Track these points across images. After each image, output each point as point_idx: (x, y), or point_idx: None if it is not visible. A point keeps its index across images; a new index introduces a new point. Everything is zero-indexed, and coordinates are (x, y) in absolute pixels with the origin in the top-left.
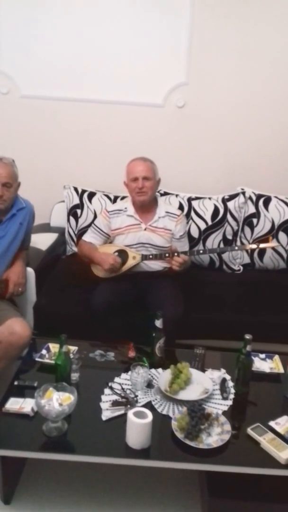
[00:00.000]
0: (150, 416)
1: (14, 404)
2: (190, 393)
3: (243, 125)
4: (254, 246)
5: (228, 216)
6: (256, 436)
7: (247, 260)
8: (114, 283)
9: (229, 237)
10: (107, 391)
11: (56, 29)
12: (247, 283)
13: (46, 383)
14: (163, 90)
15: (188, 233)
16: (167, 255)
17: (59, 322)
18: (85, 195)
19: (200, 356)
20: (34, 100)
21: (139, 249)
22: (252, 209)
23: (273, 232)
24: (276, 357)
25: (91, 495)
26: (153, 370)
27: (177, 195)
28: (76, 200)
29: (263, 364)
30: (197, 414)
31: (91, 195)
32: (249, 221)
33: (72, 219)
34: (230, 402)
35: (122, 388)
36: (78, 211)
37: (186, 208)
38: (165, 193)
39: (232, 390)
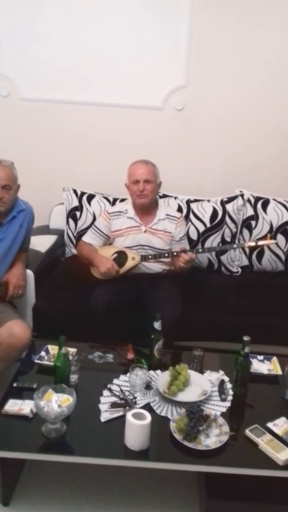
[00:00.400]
0: (148, 417)
1: (13, 406)
2: (189, 395)
3: (242, 128)
4: (252, 243)
5: (227, 219)
6: (254, 437)
7: (245, 262)
8: (113, 284)
9: (228, 239)
10: (106, 392)
11: (56, 31)
12: (245, 285)
13: (45, 384)
14: (162, 92)
15: (187, 235)
16: (175, 253)
17: (58, 324)
18: (84, 197)
19: (199, 357)
20: (34, 103)
21: (139, 251)
22: (250, 212)
23: (271, 234)
24: (274, 358)
25: (90, 496)
26: (151, 372)
27: (176, 197)
28: (76, 202)
29: (261, 366)
30: (196, 415)
31: (90, 197)
32: (247, 224)
33: (71, 221)
34: (228, 404)
35: (121, 390)
36: (77, 213)
37: (185, 210)
38: (164, 195)
39: (231, 392)
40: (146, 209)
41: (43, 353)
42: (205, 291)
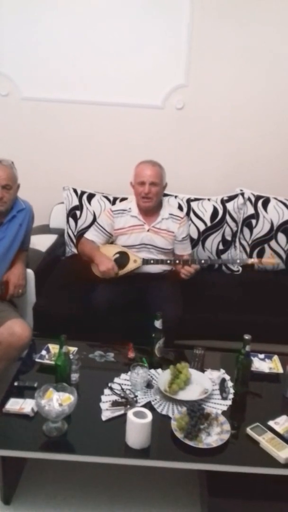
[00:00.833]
0: (149, 416)
1: (14, 405)
2: (190, 393)
3: (242, 127)
4: (256, 260)
5: (227, 217)
6: (255, 435)
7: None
8: (114, 284)
9: (228, 238)
10: (106, 391)
11: (57, 31)
12: (246, 284)
13: (46, 383)
14: (163, 92)
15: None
16: (177, 261)
17: (59, 323)
18: (85, 197)
19: (200, 356)
20: (34, 102)
21: (141, 250)
22: (251, 210)
23: (272, 233)
24: (275, 357)
25: (91, 495)
26: (152, 371)
27: (176, 196)
28: (76, 202)
29: (262, 364)
30: (197, 414)
31: (91, 197)
32: (248, 222)
33: (71, 220)
34: (229, 402)
35: (122, 389)
36: (78, 212)
37: (185, 209)
38: (165, 194)
39: (232, 390)
40: (151, 209)
41: (44, 352)
42: (206, 290)
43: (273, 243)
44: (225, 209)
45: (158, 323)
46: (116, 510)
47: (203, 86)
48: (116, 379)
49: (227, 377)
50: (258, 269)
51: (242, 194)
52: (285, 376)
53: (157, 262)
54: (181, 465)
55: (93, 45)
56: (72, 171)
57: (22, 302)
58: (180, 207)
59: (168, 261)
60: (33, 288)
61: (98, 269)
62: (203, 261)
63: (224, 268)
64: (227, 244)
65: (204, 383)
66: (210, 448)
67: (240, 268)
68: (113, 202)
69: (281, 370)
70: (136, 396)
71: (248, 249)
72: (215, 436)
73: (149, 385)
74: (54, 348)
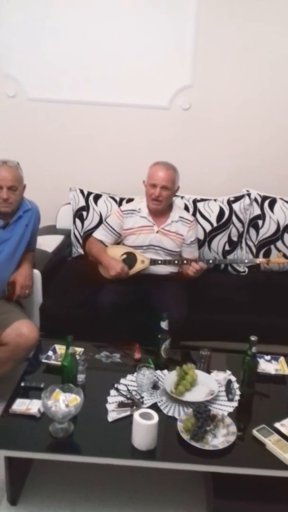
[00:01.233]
0: (156, 417)
1: (21, 405)
2: (196, 395)
3: (248, 127)
4: (264, 260)
5: (234, 218)
6: (261, 437)
7: (253, 263)
8: (121, 284)
9: (234, 238)
10: (113, 392)
11: (62, 32)
12: (252, 285)
13: (52, 384)
14: (169, 92)
15: None
16: (185, 262)
17: (65, 324)
18: (91, 197)
19: (206, 357)
20: (41, 103)
21: (149, 251)
22: (257, 211)
23: (278, 234)
24: (282, 358)
25: (97, 496)
26: (158, 372)
27: (182, 197)
28: (82, 202)
29: (268, 366)
30: (203, 415)
31: (97, 197)
32: (254, 223)
33: (78, 221)
34: (235, 404)
35: (128, 390)
36: (84, 213)
37: (191, 210)
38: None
39: (238, 392)
40: (160, 210)
41: (50, 353)
42: (212, 291)
43: (279, 243)
44: (231, 210)
45: (164, 324)
46: (122, 510)
47: (209, 87)
48: (122, 380)
49: (233, 378)
50: (264, 269)
51: (249, 195)
52: None
53: (164, 262)
54: (187, 467)
55: (99, 46)
56: (78, 171)
57: (29, 302)
58: (186, 208)
59: (176, 261)
60: (39, 288)
61: (108, 273)
62: (210, 261)
63: (230, 269)
64: (233, 244)
65: (210, 385)
66: (216, 449)
67: (246, 269)
68: (120, 203)
69: (287, 372)
70: (142, 397)
71: (254, 250)
72: (221, 437)
73: (155, 386)
74: (60, 348)
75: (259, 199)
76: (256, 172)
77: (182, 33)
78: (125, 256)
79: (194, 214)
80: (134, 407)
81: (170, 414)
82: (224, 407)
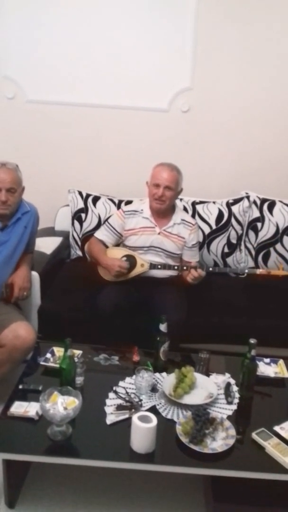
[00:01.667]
0: (154, 420)
1: (19, 408)
2: (195, 398)
3: (248, 130)
4: (264, 272)
5: (233, 220)
6: (260, 441)
7: (251, 264)
8: (120, 286)
9: (234, 241)
10: (111, 395)
11: (61, 34)
12: (251, 288)
13: (50, 386)
14: (168, 95)
15: None
16: (184, 268)
17: (64, 326)
18: (90, 199)
19: (205, 360)
20: (40, 105)
21: (149, 252)
22: (256, 213)
23: (277, 237)
24: (281, 361)
25: (96, 499)
26: (157, 374)
27: (181, 199)
28: (81, 204)
29: (267, 369)
30: (202, 418)
31: (96, 199)
32: (253, 225)
33: (76, 223)
34: (234, 407)
35: (127, 392)
36: (83, 215)
37: (190, 212)
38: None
39: (237, 395)
40: (163, 212)
41: (48, 355)
42: (211, 294)
43: (278, 246)
44: (230, 212)
45: (163, 327)
46: None
47: (209, 89)
48: (120, 383)
49: (232, 381)
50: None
51: (248, 197)
52: None
53: (164, 267)
54: (186, 470)
55: (98, 48)
56: (77, 173)
57: (27, 304)
58: (185, 210)
59: (175, 267)
60: (38, 290)
61: (109, 273)
62: (211, 269)
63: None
64: (232, 247)
65: (209, 387)
66: (215, 453)
67: (246, 272)
68: (118, 205)
69: (286, 375)
70: (141, 400)
71: (253, 253)
72: (220, 441)
73: (154, 389)
74: (59, 351)
75: (258, 202)
76: (255, 174)
77: (181, 36)
78: (125, 258)
79: (193, 216)
80: (133, 410)
81: (169, 417)
82: (223, 410)
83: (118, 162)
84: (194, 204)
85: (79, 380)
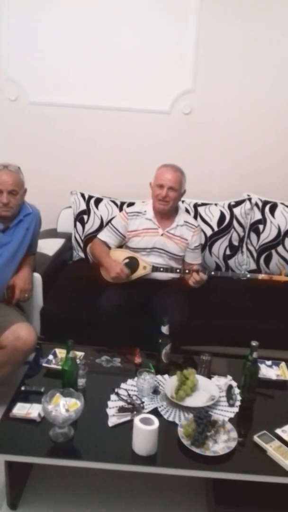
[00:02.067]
0: (156, 422)
1: (21, 409)
2: (197, 400)
3: (250, 132)
4: (266, 277)
5: (234, 222)
6: (262, 443)
7: (253, 266)
8: (121, 288)
9: (235, 243)
10: (113, 397)
11: (64, 36)
12: (253, 290)
13: (53, 388)
14: (170, 97)
15: None
16: (187, 271)
17: (66, 328)
18: (92, 201)
19: (206, 362)
20: (42, 107)
21: (151, 253)
22: (258, 216)
23: (279, 239)
24: (283, 364)
25: (97, 501)
26: (159, 376)
27: (183, 201)
28: (83, 206)
29: (269, 371)
30: (204, 421)
31: (98, 201)
32: (255, 227)
33: (79, 224)
34: (236, 409)
35: (129, 394)
36: (85, 216)
37: (192, 214)
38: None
39: (239, 397)
40: (166, 213)
41: (50, 357)
42: (213, 296)
43: (280, 248)
44: (232, 214)
45: (165, 329)
46: None
47: (211, 91)
48: (122, 385)
49: (234, 383)
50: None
51: (250, 199)
52: None
53: (166, 270)
54: (187, 473)
55: (100, 50)
56: (79, 175)
57: (29, 306)
58: (187, 212)
59: (178, 270)
60: (40, 292)
61: (108, 274)
62: (213, 273)
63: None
64: (234, 249)
65: (211, 390)
66: (217, 455)
67: (247, 274)
68: (121, 207)
69: None
70: (142, 402)
71: (255, 255)
72: (222, 443)
73: (155, 391)
74: (61, 352)
75: (260, 204)
76: (257, 176)
77: (183, 37)
78: (127, 260)
79: (195, 218)
80: (135, 412)
81: (170, 419)
82: (225, 413)
83: (120, 164)
84: (196, 206)
85: (81, 382)
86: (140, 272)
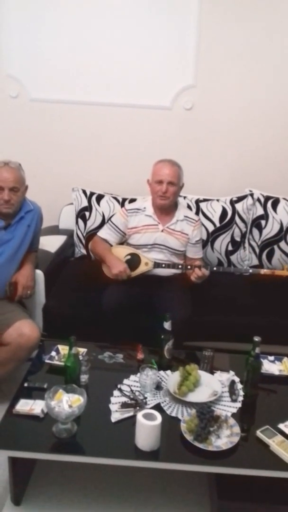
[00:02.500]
0: (159, 418)
1: (24, 406)
2: (199, 395)
3: (251, 127)
4: (268, 272)
5: (236, 218)
6: (265, 438)
7: (255, 262)
8: (124, 285)
9: (237, 239)
10: (116, 393)
11: (64, 32)
12: (255, 285)
13: (55, 384)
14: (171, 92)
15: None
16: (188, 267)
17: (68, 324)
18: (94, 198)
19: (209, 358)
20: (43, 103)
21: (153, 250)
22: (260, 211)
23: (281, 234)
24: (285, 359)
25: (100, 496)
26: (161, 372)
27: (185, 197)
28: (85, 203)
29: (272, 366)
30: (206, 416)
31: (100, 198)
32: (257, 223)
33: (80, 221)
34: (239, 405)
35: (131, 390)
36: (87, 213)
37: (194, 210)
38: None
39: (241, 392)
40: (165, 208)
41: (53, 353)
42: (215, 291)
43: (282, 244)
44: (234, 210)
45: (167, 325)
46: (125, 511)
47: (212, 87)
48: (125, 381)
49: (237, 379)
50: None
51: (252, 195)
52: None
53: (168, 266)
54: (190, 468)
55: (101, 46)
56: (81, 172)
57: (32, 303)
58: (189, 208)
59: (180, 266)
60: (42, 289)
61: (110, 271)
62: (215, 268)
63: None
64: (236, 245)
65: (214, 385)
66: (219, 450)
67: (250, 270)
68: (122, 203)
69: None
70: (145, 398)
71: (257, 250)
72: (224, 438)
73: (158, 387)
74: (63, 349)
75: (262, 199)
76: (259, 172)
77: (184, 33)
78: (129, 257)
79: (197, 214)
80: (137, 408)
81: (173, 414)
82: (227, 408)
83: (121, 160)
84: (197, 202)
85: (84, 378)
86: (142, 269)
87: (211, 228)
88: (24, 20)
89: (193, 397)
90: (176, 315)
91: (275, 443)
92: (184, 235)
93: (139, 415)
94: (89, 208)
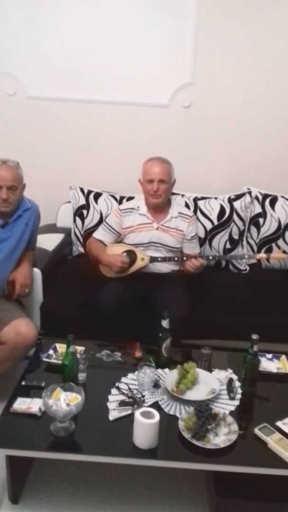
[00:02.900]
0: (157, 416)
1: (22, 404)
2: (197, 393)
3: (249, 125)
4: (264, 255)
5: (234, 216)
6: (263, 436)
7: (253, 260)
8: (121, 282)
9: (235, 237)
10: (114, 391)
11: (62, 30)
12: (253, 283)
13: (53, 383)
14: (169, 90)
15: None
16: (184, 258)
17: (66, 322)
18: (91, 196)
19: (207, 356)
20: (40, 101)
21: (149, 248)
22: (258, 209)
23: (279, 232)
24: (283, 357)
25: (98, 495)
26: (159, 370)
27: (183, 195)
28: (82, 201)
29: (270, 364)
30: (204, 414)
31: (97, 196)
32: (255, 221)
33: (78, 219)
34: (237, 402)
35: (129, 388)
36: (84, 211)
37: (192, 208)
38: (171, 193)
39: (239, 390)
40: (159, 206)
41: (51, 352)
42: (213, 289)
43: (280, 241)
44: (232, 208)
45: (165, 323)
46: (123, 510)
47: (210, 84)
48: (123, 379)
49: (235, 377)
50: (266, 268)
51: (250, 193)
52: None
53: (164, 259)
54: (188, 466)
55: (99, 44)
56: (78, 170)
57: (29, 301)
58: (187, 206)
59: (176, 258)
60: (40, 287)
61: (111, 270)
62: (210, 257)
63: (231, 267)
64: (234, 243)
65: (212, 383)
66: (217, 448)
67: (248, 267)
68: (120, 201)
69: None
70: (143, 396)
71: (255, 248)
72: (222, 436)
73: (156, 385)
74: (61, 347)
75: (260, 197)
76: (257, 170)
77: (182, 31)
78: (125, 254)
79: (195, 212)
80: (135, 406)
81: (171, 412)
82: (225, 406)
83: (119, 158)
84: (195, 200)
85: (82, 376)
86: (138, 264)
87: (209, 226)
88: (21, 17)
89: (191, 395)
90: (174, 313)
91: (273, 441)
92: (179, 232)
93: (137, 413)
94: (86, 206)
